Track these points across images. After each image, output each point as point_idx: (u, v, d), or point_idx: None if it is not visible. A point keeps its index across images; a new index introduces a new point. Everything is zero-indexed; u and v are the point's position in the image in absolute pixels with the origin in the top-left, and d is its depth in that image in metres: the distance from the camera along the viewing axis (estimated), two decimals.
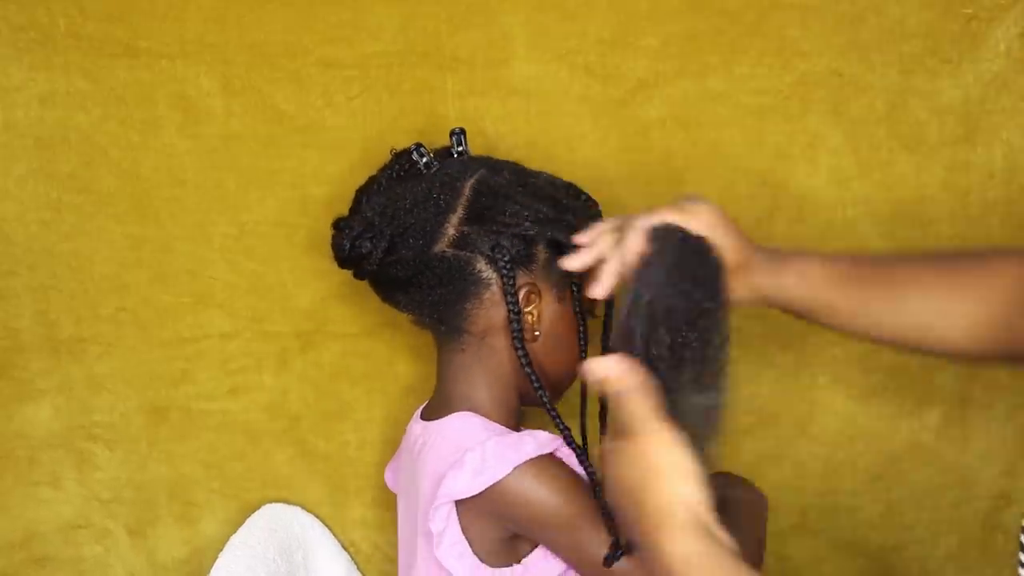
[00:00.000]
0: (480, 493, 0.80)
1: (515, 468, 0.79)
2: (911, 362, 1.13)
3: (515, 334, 0.83)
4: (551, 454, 0.83)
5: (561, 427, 0.83)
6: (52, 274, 1.04)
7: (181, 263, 1.06)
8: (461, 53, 1.02)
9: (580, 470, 0.84)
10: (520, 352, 0.83)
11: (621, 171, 1.06)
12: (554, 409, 0.84)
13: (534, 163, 0.91)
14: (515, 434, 0.83)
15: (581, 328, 0.88)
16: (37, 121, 1.01)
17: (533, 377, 0.83)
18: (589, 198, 0.90)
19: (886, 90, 1.04)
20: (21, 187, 1.02)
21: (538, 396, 0.83)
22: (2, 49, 0.99)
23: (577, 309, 0.88)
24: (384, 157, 0.91)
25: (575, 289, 0.87)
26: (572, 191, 0.89)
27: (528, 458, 0.80)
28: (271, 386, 1.10)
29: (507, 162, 0.90)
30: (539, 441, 0.82)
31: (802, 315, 0.84)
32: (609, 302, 0.91)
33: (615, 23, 1.02)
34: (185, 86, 1.01)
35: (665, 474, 0.66)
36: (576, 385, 0.93)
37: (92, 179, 1.03)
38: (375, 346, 1.10)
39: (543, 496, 0.80)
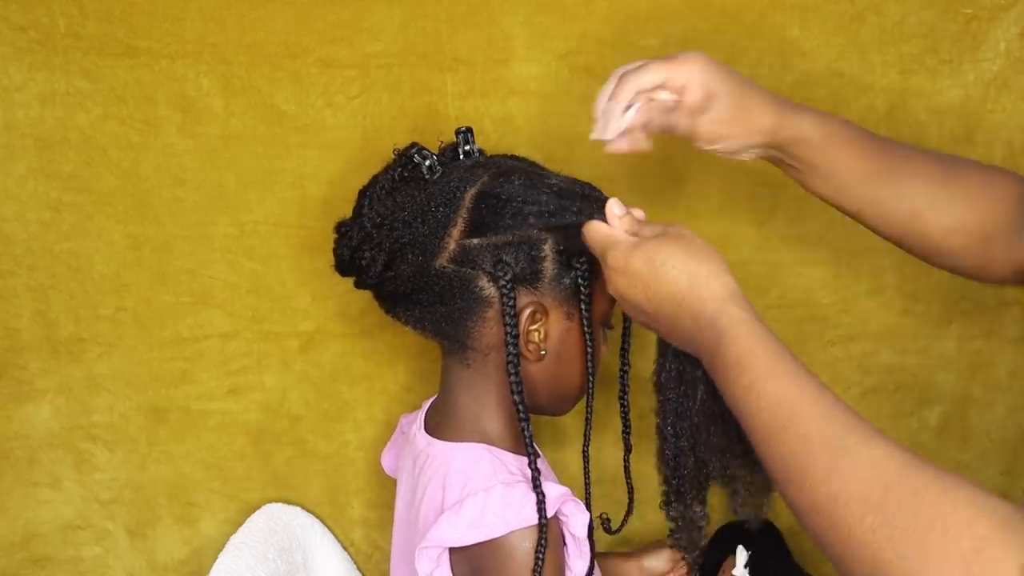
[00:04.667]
0: (470, 544, 0.77)
1: (511, 532, 0.76)
2: (911, 362, 1.13)
3: (510, 358, 0.80)
4: (552, 517, 0.79)
5: (531, 456, 0.80)
6: (52, 274, 1.04)
7: (181, 263, 1.06)
8: (461, 53, 1.02)
9: (580, 522, 0.81)
10: (512, 378, 0.80)
11: (621, 171, 1.06)
12: (532, 445, 0.80)
13: None
14: (522, 487, 0.78)
15: (589, 345, 0.84)
16: (37, 121, 1.01)
17: (520, 408, 0.80)
18: (608, 199, 0.84)
19: (886, 90, 1.04)
20: (21, 187, 1.02)
21: (520, 428, 0.81)
22: (2, 49, 0.99)
23: (586, 326, 0.83)
24: (384, 157, 0.90)
25: (584, 305, 0.82)
26: (589, 191, 0.84)
27: (527, 524, 0.76)
28: (271, 386, 1.10)
29: (519, 164, 0.86)
30: (545, 501, 0.77)
31: (794, 169, 0.85)
32: (626, 314, 0.89)
33: (615, 23, 1.02)
34: (185, 86, 1.01)
35: (716, 259, 0.73)
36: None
37: (92, 179, 1.03)
38: (375, 346, 1.10)
39: (523, 569, 0.76)
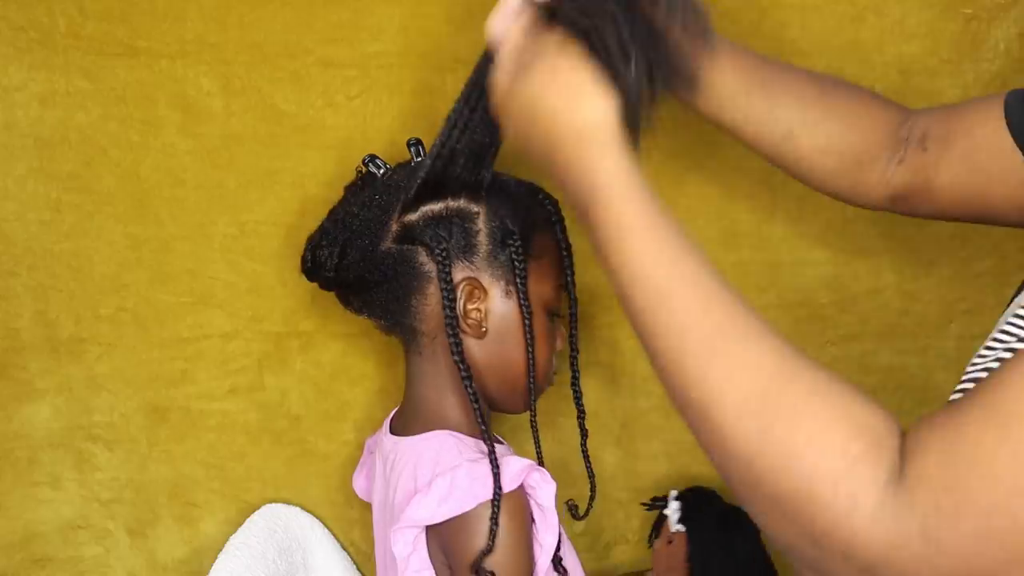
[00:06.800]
0: (442, 521, 0.78)
1: (479, 505, 0.78)
2: (911, 362, 1.13)
3: (449, 329, 0.83)
4: (518, 489, 0.80)
5: (484, 431, 0.82)
6: (52, 274, 1.04)
7: (181, 263, 1.06)
8: (461, 53, 1.02)
9: (547, 492, 0.82)
10: (454, 348, 0.82)
11: None
12: (485, 422, 0.83)
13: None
14: (487, 463, 0.80)
15: (527, 318, 0.85)
16: (37, 121, 1.01)
17: (467, 382, 0.83)
18: (547, 196, 0.90)
19: (886, 90, 1.04)
20: (21, 187, 1.02)
21: (471, 406, 0.83)
22: (2, 49, 0.99)
23: (522, 300, 0.85)
24: (384, 157, 0.91)
25: (520, 284, 0.85)
26: (528, 187, 0.90)
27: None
28: (271, 386, 1.10)
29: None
30: (509, 474, 0.79)
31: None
32: (575, 299, 0.91)
33: None
34: (185, 86, 1.01)
35: (584, 91, 0.63)
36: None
37: (92, 179, 1.03)
38: (375, 346, 1.10)
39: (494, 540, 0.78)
